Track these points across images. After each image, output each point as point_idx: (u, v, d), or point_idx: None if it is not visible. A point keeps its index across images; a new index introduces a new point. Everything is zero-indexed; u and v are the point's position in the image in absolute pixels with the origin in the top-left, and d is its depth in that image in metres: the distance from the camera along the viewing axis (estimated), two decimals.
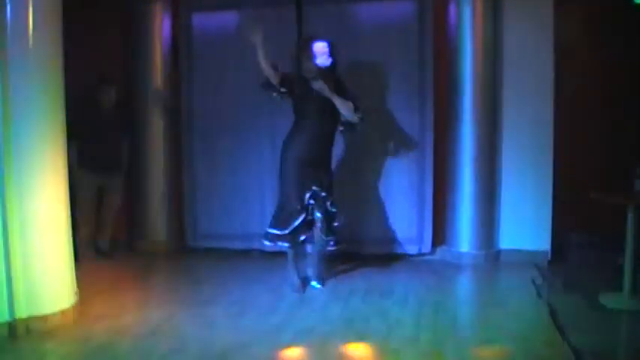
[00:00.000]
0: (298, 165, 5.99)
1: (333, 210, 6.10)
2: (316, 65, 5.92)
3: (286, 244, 6.11)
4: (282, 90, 6.02)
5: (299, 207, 5.97)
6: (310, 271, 6.34)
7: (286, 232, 6.03)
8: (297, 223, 5.99)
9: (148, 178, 7.78)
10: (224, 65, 7.47)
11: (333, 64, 5.98)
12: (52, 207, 5.03)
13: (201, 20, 7.60)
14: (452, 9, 6.98)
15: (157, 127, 7.73)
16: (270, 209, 7.30)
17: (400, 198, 7.19)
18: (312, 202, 5.98)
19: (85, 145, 6.99)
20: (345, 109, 5.93)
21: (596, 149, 7.14)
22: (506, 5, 6.95)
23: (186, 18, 7.62)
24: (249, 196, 7.56)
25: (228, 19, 7.56)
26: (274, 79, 5.96)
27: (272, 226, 6.14)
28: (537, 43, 6.84)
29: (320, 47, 5.94)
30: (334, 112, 5.98)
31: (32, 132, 4.85)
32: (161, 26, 7.66)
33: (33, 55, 4.83)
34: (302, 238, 6.12)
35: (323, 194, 5.99)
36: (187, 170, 7.77)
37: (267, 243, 6.22)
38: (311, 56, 5.93)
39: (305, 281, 6.27)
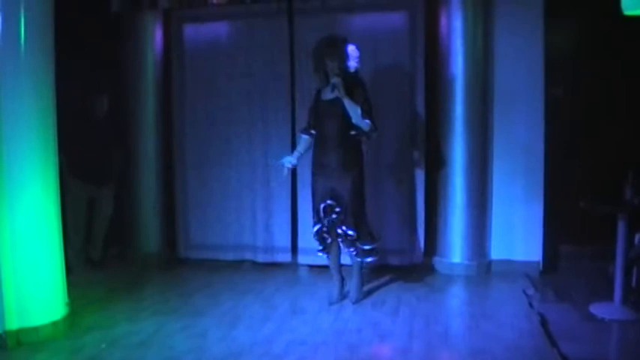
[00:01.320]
0: (315, 177, 6.04)
1: (349, 232, 5.88)
2: (347, 67, 5.83)
3: (320, 253, 6.14)
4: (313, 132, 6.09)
5: (316, 219, 6.01)
6: (350, 290, 6.19)
7: (313, 234, 6.07)
8: (315, 229, 6.02)
9: (140, 189, 7.77)
10: (216, 76, 7.48)
11: (357, 70, 5.94)
12: (43, 217, 5.02)
13: (193, 31, 7.60)
14: (443, 19, 6.99)
15: (148, 137, 7.72)
16: (262, 220, 7.35)
17: (392, 209, 7.19)
18: (331, 217, 5.91)
19: (76, 155, 6.97)
20: (353, 111, 5.73)
21: (587, 159, 7.16)
22: (496, 15, 6.96)
23: (177, 29, 7.62)
24: (242, 207, 7.55)
25: (219, 29, 7.57)
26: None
27: (315, 237, 6.13)
28: (528, 53, 6.86)
29: (353, 50, 5.88)
30: (347, 118, 5.80)
31: (23, 142, 4.85)
32: (153, 37, 7.66)
33: (24, 64, 4.84)
34: (328, 241, 6.05)
35: (337, 209, 5.88)
36: (179, 181, 7.76)
37: (320, 254, 6.21)
38: (344, 57, 5.81)
39: (343, 293, 6.18)
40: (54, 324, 5.07)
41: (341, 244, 6.03)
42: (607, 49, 6.98)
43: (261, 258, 7.48)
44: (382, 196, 7.18)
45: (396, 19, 7.13)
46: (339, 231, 5.91)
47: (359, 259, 6.02)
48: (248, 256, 7.56)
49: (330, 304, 6.02)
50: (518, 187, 6.98)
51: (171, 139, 7.76)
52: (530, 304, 5.86)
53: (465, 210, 6.98)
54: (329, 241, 6.05)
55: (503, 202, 7.05)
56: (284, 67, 7.19)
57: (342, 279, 6.20)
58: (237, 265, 7.51)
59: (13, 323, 4.83)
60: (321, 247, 6.09)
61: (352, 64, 5.86)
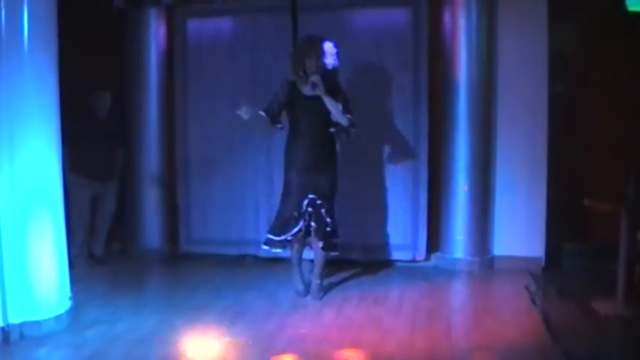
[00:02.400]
0: (294, 172, 6.01)
1: (328, 219, 5.97)
2: (324, 64, 5.90)
3: (279, 250, 6.15)
4: (279, 126, 6.14)
5: (296, 214, 5.95)
6: (312, 284, 6.20)
7: (282, 238, 6.03)
8: (294, 230, 5.97)
9: (143, 184, 7.77)
10: (219, 71, 7.47)
11: (336, 68, 5.99)
12: (47, 213, 5.03)
13: (196, 27, 7.60)
14: (447, 17, 6.98)
15: (151, 133, 7.72)
16: (264, 215, 7.34)
17: (394, 204, 7.19)
18: (310, 209, 5.94)
19: (79, 151, 6.97)
20: (333, 108, 5.84)
21: (591, 156, 7.15)
22: (500, 13, 6.95)
23: (181, 24, 7.62)
24: (244, 202, 7.55)
25: (223, 25, 7.58)
26: (270, 126, 6.10)
27: (270, 232, 6.14)
28: (532, 51, 6.85)
29: (330, 47, 5.94)
30: (327, 115, 5.90)
31: (26, 138, 4.86)
32: (156, 33, 7.66)
33: (28, 60, 4.84)
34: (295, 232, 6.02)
35: (319, 202, 5.94)
36: (182, 176, 7.76)
37: (264, 247, 6.20)
38: (320, 55, 5.89)
39: (308, 285, 6.22)
40: (57, 318, 5.08)
41: (314, 237, 6.02)
42: (611, 45, 6.97)
43: (263, 253, 7.46)
44: (385, 193, 7.18)
45: (399, 15, 7.12)
46: (316, 223, 5.92)
47: (325, 252, 6.05)
48: (250, 251, 7.55)
49: (304, 295, 6.12)
50: (521, 184, 6.98)
51: (174, 135, 7.75)
52: (533, 301, 5.85)
53: (467, 206, 6.98)
54: (299, 234, 6.02)
55: (506, 199, 7.05)
56: (287, 63, 7.17)
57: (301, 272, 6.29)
58: (240, 260, 7.51)
59: (16, 317, 4.84)
60: (289, 237, 6.04)
61: (329, 61, 5.92)
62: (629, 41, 6.73)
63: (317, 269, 6.17)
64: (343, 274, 6.81)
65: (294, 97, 6.02)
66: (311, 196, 5.94)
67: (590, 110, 7.13)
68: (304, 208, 5.94)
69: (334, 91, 5.92)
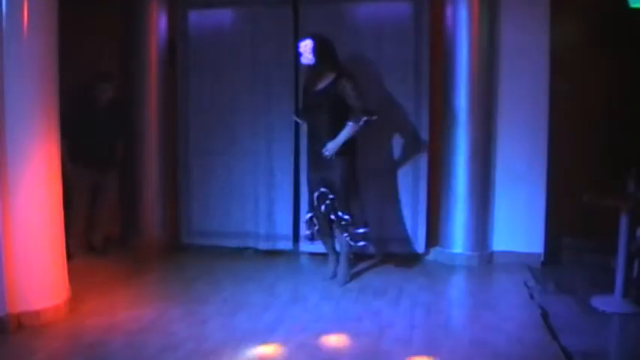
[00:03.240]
0: (307, 165, 6.52)
1: (346, 217, 6.14)
2: (302, 63, 6.29)
3: (308, 234, 6.51)
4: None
5: (310, 207, 6.44)
6: (338, 272, 6.41)
7: (305, 220, 6.55)
8: (307, 217, 6.46)
9: (143, 175, 7.77)
10: (220, 62, 7.46)
11: (317, 63, 6.15)
12: (45, 203, 5.04)
13: (198, 17, 7.58)
14: (448, 10, 6.97)
15: (152, 124, 7.71)
16: (264, 207, 7.35)
17: (394, 198, 7.19)
18: (325, 204, 6.19)
19: (79, 141, 6.96)
20: (345, 136, 6.08)
21: (591, 152, 7.15)
22: (502, 7, 6.94)
23: (182, 15, 7.59)
24: (244, 194, 7.54)
25: (224, 16, 7.56)
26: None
27: (307, 227, 6.53)
28: (533, 45, 6.84)
29: (302, 46, 6.16)
30: (331, 107, 6.09)
31: (26, 127, 4.86)
32: (157, 23, 7.64)
33: (28, 50, 4.83)
34: (316, 228, 6.40)
35: (331, 196, 6.17)
36: (182, 167, 7.75)
37: (309, 242, 6.73)
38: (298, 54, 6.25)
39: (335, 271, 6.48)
40: (55, 308, 5.09)
41: (336, 230, 6.29)
42: (613, 40, 6.96)
43: (262, 245, 7.48)
44: (385, 186, 7.18)
45: (400, 9, 7.11)
46: (333, 217, 6.17)
47: (352, 243, 6.20)
48: (250, 243, 7.56)
49: (329, 279, 6.39)
50: (521, 179, 6.98)
51: (175, 126, 7.74)
52: (531, 296, 5.86)
53: (467, 201, 6.98)
54: (317, 227, 6.38)
55: (505, 194, 7.05)
56: (288, 56, 7.17)
57: (337, 259, 6.46)
58: (239, 252, 7.52)
59: (14, 306, 4.84)
60: (308, 232, 6.47)
61: (304, 58, 6.16)
62: (631, 36, 6.72)
63: (341, 258, 6.37)
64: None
65: (305, 95, 6.39)
66: (322, 189, 6.20)
67: (591, 106, 7.12)
68: (315, 201, 6.27)
69: (347, 92, 6.03)
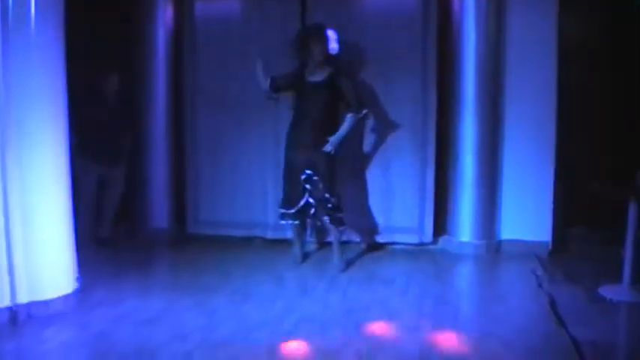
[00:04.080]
0: (292, 150, 6.52)
1: (327, 195, 6.37)
2: (328, 50, 6.40)
3: (297, 222, 6.63)
4: (275, 95, 6.74)
5: (300, 188, 6.44)
6: (334, 256, 6.57)
7: (293, 210, 6.53)
8: (301, 203, 6.46)
9: (150, 166, 7.77)
10: (227, 54, 7.45)
11: (337, 52, 6.49)
12: (54, 195, 5.05)
13: (204, 9, 7.56)
14: (456, 0, 6.95)
15: (159, 115, 7.71)
16: (272, 197, 7.35)
17: (402, 187, 7.18)
18: (307, 186, 6.40)
19: (87, 134, 6.96)
20: (346, 130, 6.44)
21: (599, 141, 7.13)
22: None
23: (188, 6, 7.58)
24: (252, 183, 7.54)
25: (230, 7, 7.55)
26: (267, 92, 6.68)
27: (282, 207, 6.65)
28: (541, 34, 6.82)
29: (332, 34, 6.43)
30: (328, 98, 6.40)
31: (34, 121, 4.87)
32: (164, 15, 7.63)
33: (35, 42, 4.84)
34: (310, 212, 6.53)
35: (315, 178, 6.36)
36: (190, 158, 7.75)
37: (282, 222, 6.72)
38: (325, 41, 6.39)
39: (305, 255, 6.85)
40: (64, 298, 5.11)
41: (317, 212, 6.47)
42: (620, 31, 6.94)
43: (271, 234, 7.49)
44: (392, 175, 7.18)
45: None
46: (315, 199, 6.41)
47: (333, 226, 6.48)
48: (258, 232, 7.57)
49: (295, 262, 6.68)
50: (529, 168, 6.96)
51: (182, 119, 7.75)
52: (539, 285, 5.86)
53: (474, 189, 6.98)
54: (302, 205, 6.51)
55: (513, 182, 7.03)
56: (297, 47, 7.15)
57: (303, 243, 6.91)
58: (247, 241, 7.53)
59: (23, 297, 4.86)
60: (293, 210, 6.55)
61: (333, 46, 6.44)
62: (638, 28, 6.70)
63: (334, 245, 6.57)
64: (350, 257, 6.81)
65: (299, 82, 6.47)
66: (308, 172, 6.38)
67: (600, 95, 7.10)
68: (302, 184, 6.42)
69: (343, 85, 6.39)
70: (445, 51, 7.05)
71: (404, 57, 7.04)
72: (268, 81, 6.57)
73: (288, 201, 6.57)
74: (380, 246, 7.18)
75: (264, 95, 6.75)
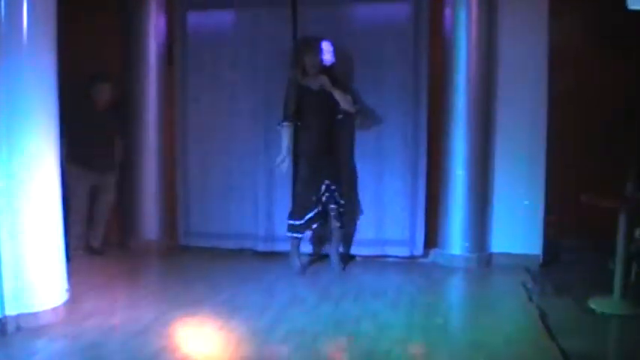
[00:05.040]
0: (305, 159, 6.73)
1: (342, 202, 6.70)
2: (322, 61, 6.57)
3: (299, 235, 6.75)
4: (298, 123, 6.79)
5: (314, 199, 6.63)
6: (332, 258, 6.86)
7: (302, 222, 6.68)
8: (311, 214, 6.65)
9: (142, 177, 7.75)
10: (219, 64, 7.47)
11: (333, 64, 6.66)
12: (44, 204, 5.03)
13: (196, 19, 7.58)
14: (447, 11, 6.96)
15: (151, 125, 7.70)
16: (263, 209, 7.35)
17: (393, 200, 7.19)
18: (325, 196, 6.64)
19: (78, 143, 6.97)
20: (344, 101, 6.59)
21: (589, 153, 7.15)
22: (501, 8, 6.93)
23: (181, 16, 7.60)
24: (243, 195, 7.54)
25: (223, 17, 7.57)
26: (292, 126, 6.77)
27: (290, 218, 6.76)
28: (532, 47, 6.84)
29: (327, 46, 6.59)
30: (332, 106, 6.60)
31: (25, 129, 4.85)
32: (156, 24, 7.63)
33: (27, 51, 4.82)
34: (314, 226, 6.79)
35: (333, 187, 6.65)
36: (181, 168, 7.75)
37: (288, 234, 6.80)
38: (319, 53, 6.56)
39: (305, 265, 6.89)
40: (54, 310, 5.08)
41: (333, 218, 6.73)
42: (611, 42, 6.97)
43: (261, 247, 7.48)
44: (383, 188, 7.19)
45: (400, 9, 7.11)
46: (334, 205, 6.66)
47: (342, 229, 6.83)
48: (249, 244, 7.56)
49: (298, 274, 6.69)
50: (520, 180, 6.98)
51: (174, 127, 7.74)
52: (530, 298, 5.86)
53: (465, 202, 6.98)
54: (314, 226, 6.80)
55: (504, 195, 7.05)
56: (288, 57, 7.18)
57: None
58: (238, 253, 7.52)
59: (12, 308, 4.83)
60: (302, 222, 6.70)
61: (327, 57, 6.60)
62: (629, 39, 6.73)
63: (336, 245, 6.90)
64: (341, 270, 6.82)
65: (301, 92, 6.58)
66: (327, 182, 6.62)
67: (589, 107, 7.12)
68: (322, 192, 6.64)
69: (339, 84, 6.61)
70: (436, 63, 7.06)
71: (395, 69, 7.07)
72: (288, 124, 6.67)
73: (298, 213, 6.69)
74: (371, 258, 7.18)
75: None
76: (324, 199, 6.63)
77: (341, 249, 7.06)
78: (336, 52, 6.66)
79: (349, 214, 6.94)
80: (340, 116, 6.71)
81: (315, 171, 6.65)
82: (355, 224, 7.19)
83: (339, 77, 6.70)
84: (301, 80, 6.61)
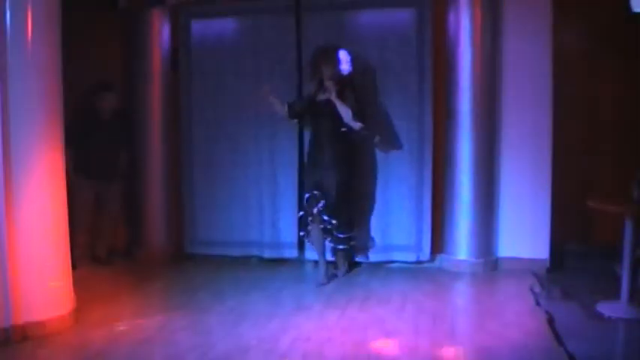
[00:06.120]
0: (305, 168, 6.87)
1: (333, 222, 6.53)
2: (340, 71, 6.46)
3: (303, 237, 6.94)
4: (297, 119, 6.96)
5: (301, 206, 6.82)
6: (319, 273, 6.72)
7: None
8: (299, 215, 6.86)
9: (146, 185, 7.75)
10: (223, 72, 7.46)
11: (350, 73, 6.55)
12: (50, 213, 5.04)
13: (200, 27, 7.59)
14: (451, 17, 6.97)
15: (155, 133, 7.69)
16: (268, 216, 7.36)
17: (399, 206, 7.18)
18: (317, 206, 6.50)
19: (83, 152, 6.98)
20: (344, 112, 6.39)
21: (595, 157, 7.14)
22: (505, 14, 6.94)
23: (185, 25, 7.61)
24: (248, 203, 7.54)
25: (226, 26, 7.57)
26: (281, 112, 6.80)
27: (300, 226, 6.93)
28: (536, 51, 6.84)
29: (344, 55, 6.50)
30: (338, 118, 6.43)
31: (30, 138, 4.87)
32: (160, 33, 7.63)
33: (32, 61, 4.85)
34: (309, 227, 6.71)
35: (322, 201, 6.45)
36: (186, 177, 7.75)
37: (307, 241, 7.06)
38: (337, 63, 6.46)
39: (328, 275, 6.73)
40: (60, 319, 5.08)
41: (322, 232, 6.63)
42: (615, 46, 6.97)
43: (267, 254, 7.47)
44: (389, 193, 7.17)
45: (403, 16, 7.11)
46: (325, 217, 6.52)
47: (332, 245, 6.75)
48: (254, 251, 7.56)
49: (318, 285, 6.52)
50: (526, 185, 6.97)
51: (179, 136, 7.74)
52: (537, 302, 5.84)
53: (471, 207, 6.96)
54: (309, 227, 6.69)
55: (510, 200, 7.03)
56: (291, 64, 7.19)
57: (327, 262, 6.76)
58: (244, 261, 7.51)
59: (19, 317, 4.84)
60: (302, 233, 6.85)
61: (344, 67, 6.48)
62: (633, 42, 6.72)
63: (320, 259, 6.76)
64: (347, 275, 6.84)
65: (311, 104, 6.60)
66: (315, 192, 6.51)
67: (595, 111, 7.12)
68: (305, 202, 6.65)
69: (346, 95, 6.47)
70: (441, 69, 7.06)
71: (399, 75, 7.06)
72: (285, 107, 6.72)
73: (303, 220, 6.79)
74: (377, 264, 7.16)
75: (286, 119, 6.92)
76: (314, 210, 6.55)
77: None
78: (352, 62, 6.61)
79: (342, 231, 6.65)
80: (344, 129, 6.52)
81: (307, 180, 6.75)
82: (349, 243, 6.84)
83: (355, 88, 6.62)
84: (317, 97, 6.61)
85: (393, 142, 7.09)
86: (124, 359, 4.61)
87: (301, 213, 6.80)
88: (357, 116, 6.42)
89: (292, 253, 7.40)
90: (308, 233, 6.76)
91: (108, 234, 7.63)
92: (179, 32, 7.65)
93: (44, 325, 4.95)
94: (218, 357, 4.62)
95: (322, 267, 6.68)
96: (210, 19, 7.61)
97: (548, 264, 6.93)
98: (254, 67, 7.32)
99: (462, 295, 6.59)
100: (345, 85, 6.52)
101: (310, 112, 6.71)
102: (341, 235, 6.63)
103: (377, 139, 6.91)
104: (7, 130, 4.77)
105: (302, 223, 6.82)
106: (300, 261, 7.38)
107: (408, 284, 6.55)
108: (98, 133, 7.16)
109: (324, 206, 6.49)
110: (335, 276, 6.79)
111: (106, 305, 5.80)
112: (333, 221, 6.52)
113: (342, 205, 6.59)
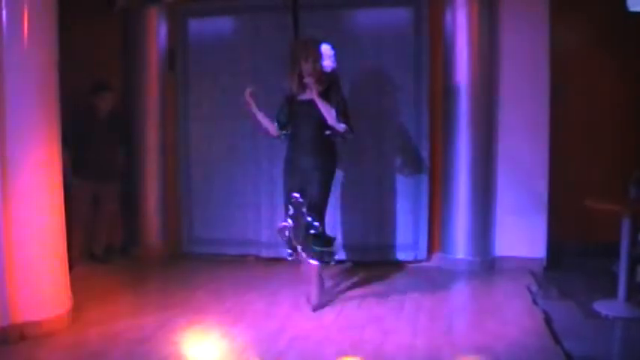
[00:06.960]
0: (285, 170, 5.98)
1: (316, 224, 5.69)
2: (322, 67, 5.70)
3: (290, 256, 6.03)
4: (284, 132, 6.01)
5: (287, 212, 5.87)
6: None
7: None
8: (282, 224, 5.90)
9: (144, 184, 7.75)
10: (220, 70, 7.47)
11: (334, 69, 5.79)
12: (47, 213, 5.03)
13: (198, 26, 7.60)
14: (448, 16, 6.97)
15: (152, 132, 7.69)
16: (266, 215, 7.34)
17: (396, 205, 7.18)
18: (299, 210, 5.75)
19: (80, 151, 6.97)
20: (327, 113, 5.65)
21: (593, 155, 7.15)
22: (502, 12, 6.94)
23: (182, 24, 7.61)
24: (246, 202, 7.54)
25: (224, 24, 7.58)
26: (274, 132, 6.01)
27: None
28: (533, 51, 6.85)
29: (327, 49, 5.72)
30: (321, 119, 5.70)
31: (27, 138, 4.86)
32: (157, 32, 7.63)
33: (28, 60, 4.84)
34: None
35: (301, 200, 5.73)
36: (183, 176, 7.75)
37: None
38: (318, 57, 5.69)
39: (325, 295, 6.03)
40: (57, 318, 5.08)
41: (293, 237, 5.83)
42: (612, 44, 6.97)
43: (265, 253, 7.47)
44: (386, 193, 7.18)
45: (400, 15, 7.12)
46: (295, 222, 5.76)
47: (317, 249, 5.72)
48: (252, 251, 7.56)
49: (314, 310, 5.73)
50: (523, 184, 6.97)
51: (176, 135, 7.74)
52: (534, 301, 5.84)
53: (468, 206, 6.97)
54: (290, 235, 5.84)
55: (507, 199, 7.03)
56: (288, 63, 7.17)
57: (323, 282, 6.01)
58: (241, 260, 7.51)
59: (16, 317, 4.83)
60: (290, 251, 5.96)
61: (327, 63, 5.71)
62: (630, 41, 6.73)
63: (312, 276, 5.89)
64: (344, 275, 6.83)
65: (291, 104, 5.92)
66: (295, 195, 5.76)
67: (592, 110, 7.13)
68: (288, 205, 5.84)
69: (331, 94, 5.75)
70: (438, 68, 7.06)
71: (396, 74, 7.07)
72: (276, 125, 5.96)
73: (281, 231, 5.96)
74: (374, 264, 7.15)
75: (276, 136, 6.08)
76: (292, 212, 5.79)
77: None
78: (337, 58, 5.87)
79: (318, 244, 5.74)
80: (328, 132, 5.77)
81: (286, 182, 5.93)
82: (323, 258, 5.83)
83: (339, 88, 5.85)
84: (297, 94, 5.87)
85: (389, 141, 7.08)
86: (121, 359, 4.61)
87: (285, 224, 5.89)
88: (342, 117, 5.68)
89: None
90: (295, 250, 5.89)
91: (105, 233, 7.60)
92: (176, 31, 7.64)
93: (41, 325, 4.94)
94: (215, 357, 4.62)
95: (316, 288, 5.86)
96: (207, 17, 7.61)
97: (545, 263, 6.94)
98: (251, 66, 7.32)
99: (459, 293, 6.59)
100: (331, 83, 5.78)
101: (291, 112, 5.93)
102: (319, 248, 5.71)
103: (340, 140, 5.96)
104: (3, 130, 4.75)
105: (287, 241, 5.93)
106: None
107: (405, 283, 6.55)
108: (95, 133, 7.15)
109: (305, 210, 5.69)
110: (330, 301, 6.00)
111: (103, 305, 5.79)
112: (316, 224, 5.66)
113: (321, 211, 5.76)
